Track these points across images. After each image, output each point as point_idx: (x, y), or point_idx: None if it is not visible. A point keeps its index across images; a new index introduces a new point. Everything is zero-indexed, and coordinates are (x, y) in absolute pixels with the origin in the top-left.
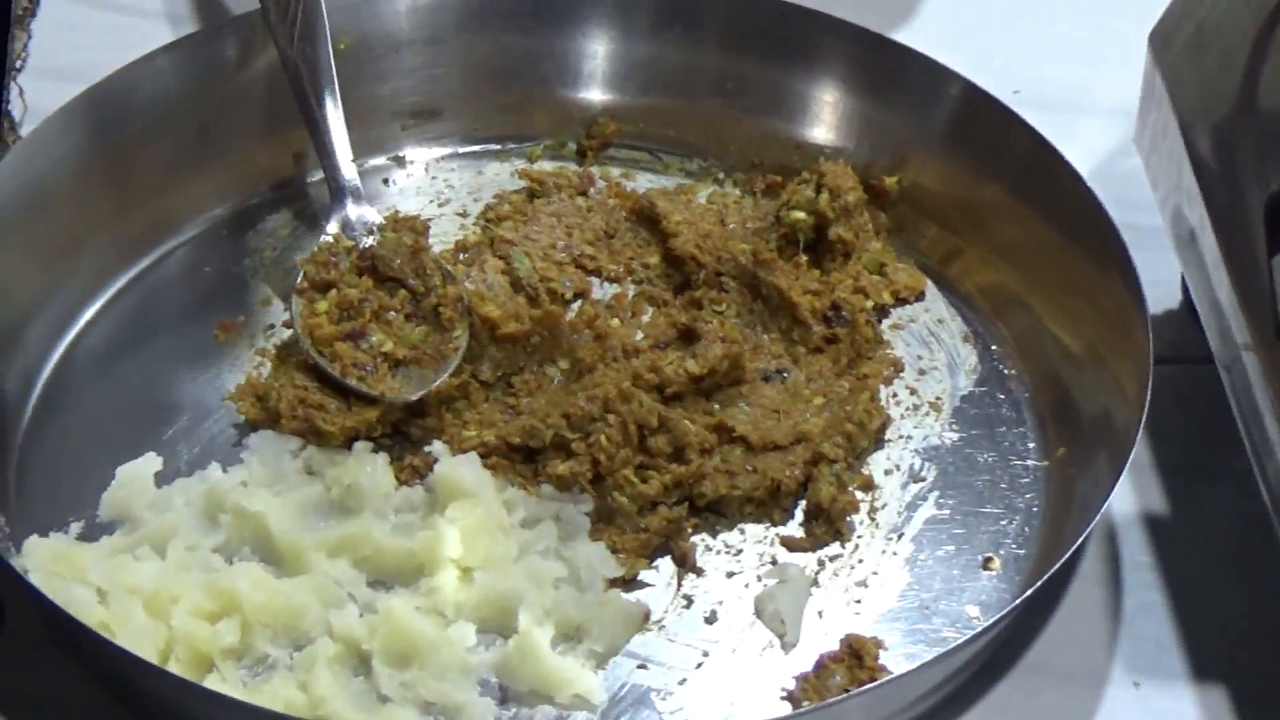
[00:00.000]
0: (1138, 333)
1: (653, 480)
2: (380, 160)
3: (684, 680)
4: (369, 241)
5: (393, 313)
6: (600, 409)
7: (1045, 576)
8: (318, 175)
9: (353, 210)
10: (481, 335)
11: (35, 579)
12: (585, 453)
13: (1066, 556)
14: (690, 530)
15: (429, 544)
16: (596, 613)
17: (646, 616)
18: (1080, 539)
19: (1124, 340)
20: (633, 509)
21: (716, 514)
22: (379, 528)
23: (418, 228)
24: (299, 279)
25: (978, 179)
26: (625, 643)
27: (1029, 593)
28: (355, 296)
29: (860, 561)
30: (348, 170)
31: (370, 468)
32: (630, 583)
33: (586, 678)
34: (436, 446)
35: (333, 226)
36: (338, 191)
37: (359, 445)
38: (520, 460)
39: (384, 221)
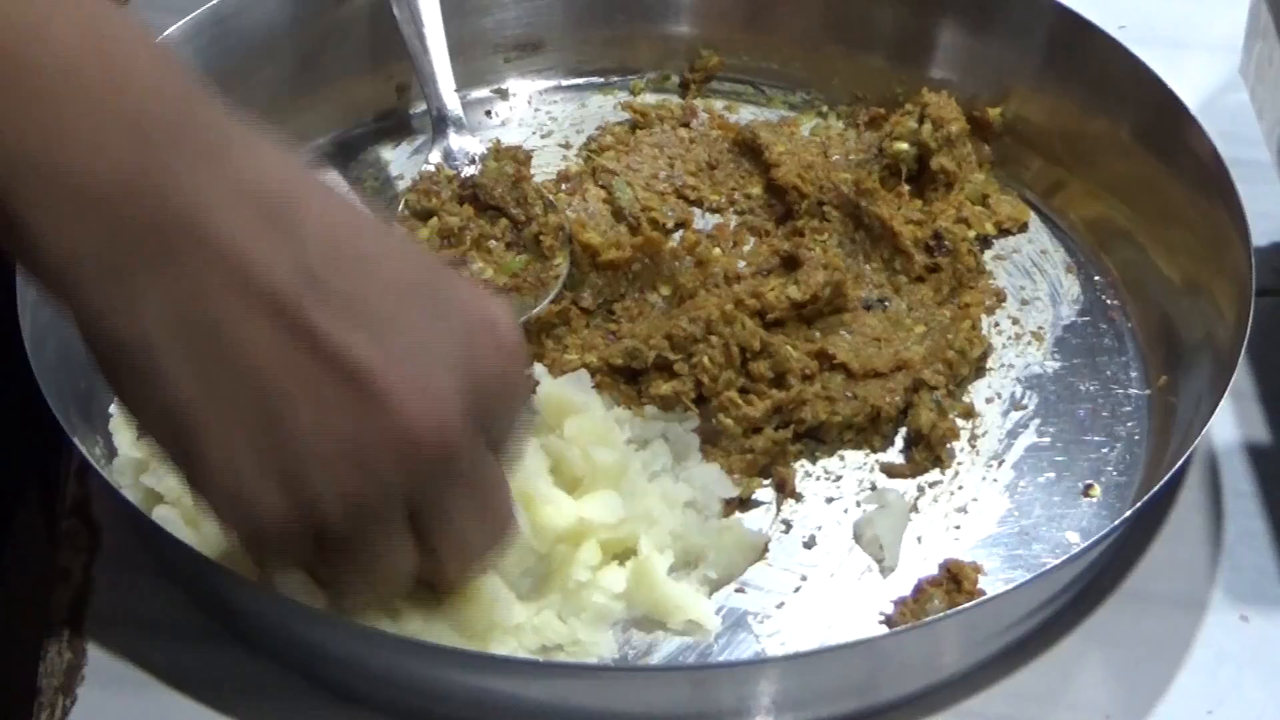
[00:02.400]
0: (1240, 261)
1: (757, 402)
2: (483, 93)
3: (781, 604)
4: (471, 171)
5: (494, 241)
6: (703, 330)
7: (1147, 497)
8: (420, 107)
9: (455, 140)
10: (582, 262)
11: (130, 496)
12: (688, 374)
13: (1169, 477)
14: (791, 456)
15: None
16: (716, 539)
17: (766, 547)
18: (1182, 460)
19: (1227, 269)
20: (738, 431)
21: (816, 440)
22: None
23: (520, 157)
24: (400, 207)
25: (1082, 111)
26: (741, 572)
27: (1129, 514)
28: (456, 225)
29: (960, 488)
30: (450, 100)
31: None
32: (730, 506)
33: (702, 604)
34: (538, 369)
35: (435, 156)
36: (440, 121)
37: None
38: (623, 382)
39: (486, 151)
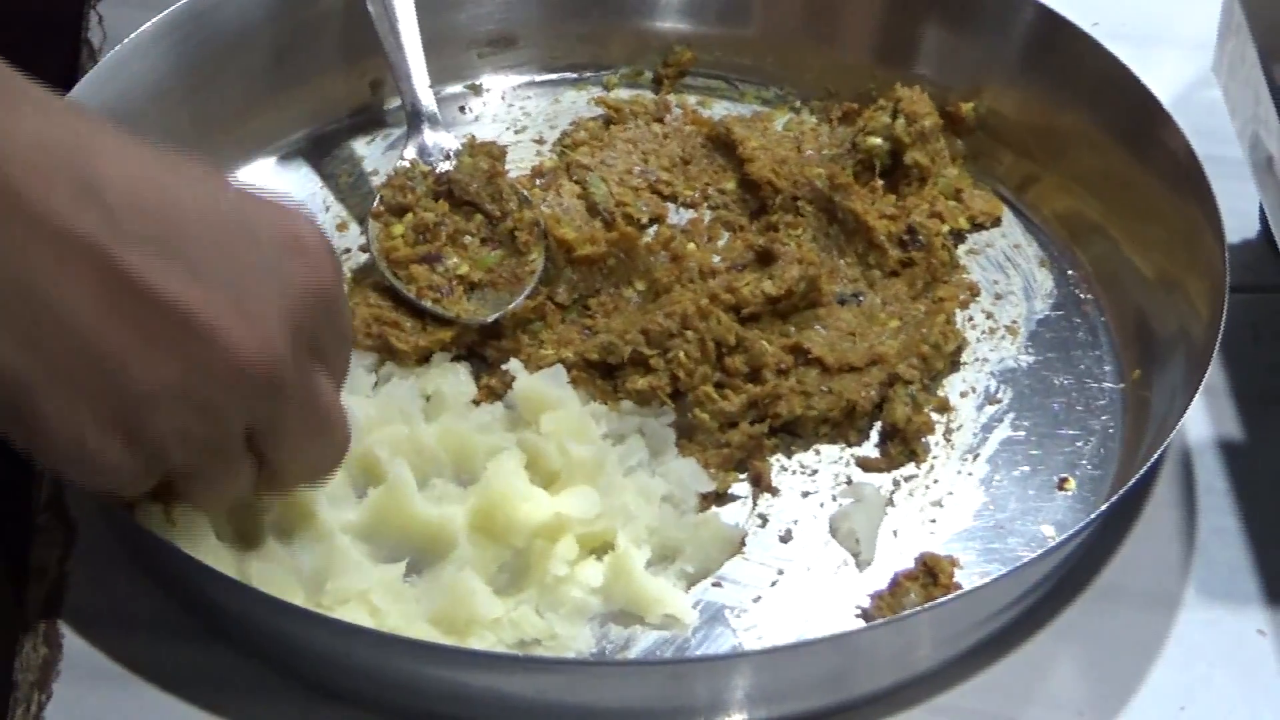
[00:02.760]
0: (1214, 257)
1: (732, 397)
2: (457, 88)
3: (758, 598)
4: (446, 166)
5: (469, 236)
6: (678, 325)
7: (1122, 491)
8: (395, 103)
9: (429, 136)
10: (557, 257)
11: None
12: (664, 369)
13: (1143, 471)
14: (767, 450)
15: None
16: (693, 533)
17: (743, 541)
18: (1157, 454)
19: (1200, 265)
20: (714, 425)
21: (792, 435)
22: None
23: (494, 153)
24: (375, 203)
25: (1055, 106)
26: (718, 566)
27: (1105, 507)
28: (431, 220)
29: (935, 482)
30: (425, 96)
31: (452, 375)
32: (707, 501)
33: (679, 598)
34: (514, 364)
35: (409, 151)
36: (414, 117)
37: (438, 356)
38: (599, 377)
39: (461, 147)
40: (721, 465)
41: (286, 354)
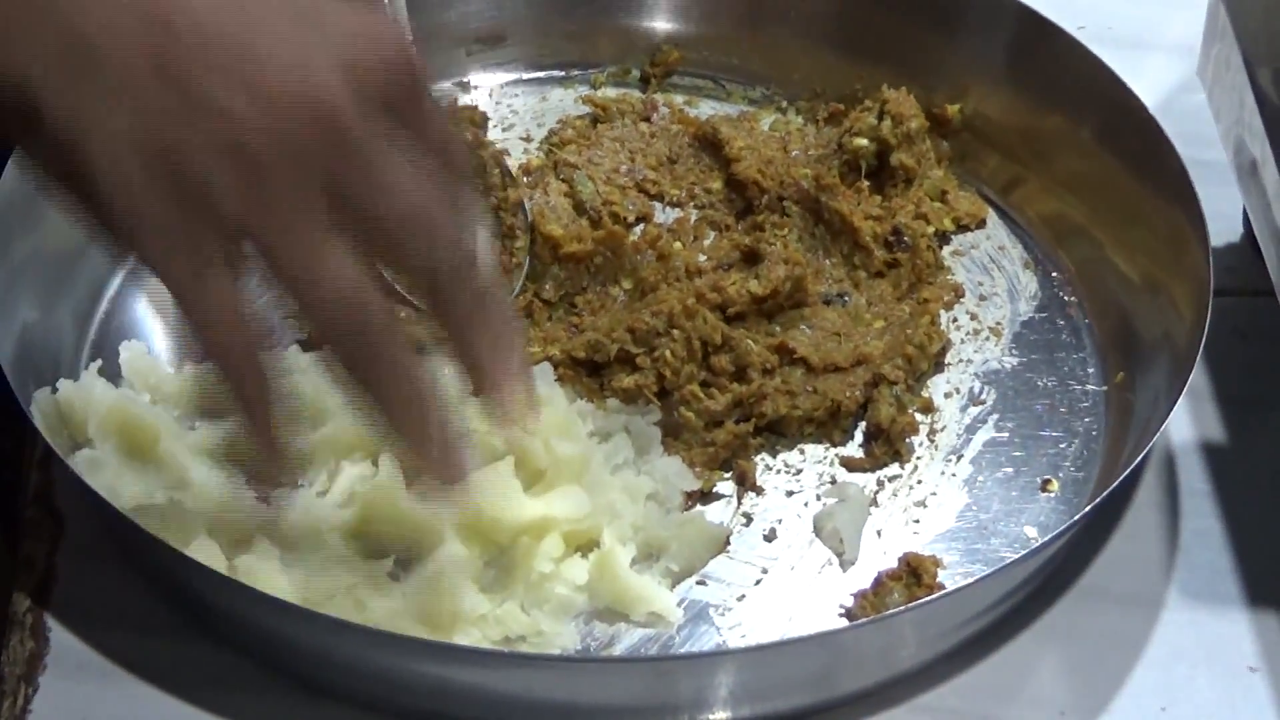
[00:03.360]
0: (1198, 260)
1: (718, 396)
2: (444, 85)
3: (742, 597)
4: None
5: None
6: (665, 324)
7: (1105, 493)
8: None
9: None
10: (544, 255)
11: (95, 486)
12: (650, 367)
13: (1126, 474)
14: (752, 449)
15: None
16: (678, 531)
17: (728, 539)
18: (1140, 457)
19: (1184, 268)
20: (699, 424)
21: (776, 434)
22: None
23: (476, 119)
24: None
25: (1040, 108)
26: (703, 565)
27: (1087, 509)
28: None
29: (919, 482)
30: None
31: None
32: (691, 499)
33: (663, 596)
34: None
35: None
36: None
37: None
38: (585, 375)
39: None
40: (707, 464)
41: (343, 100)
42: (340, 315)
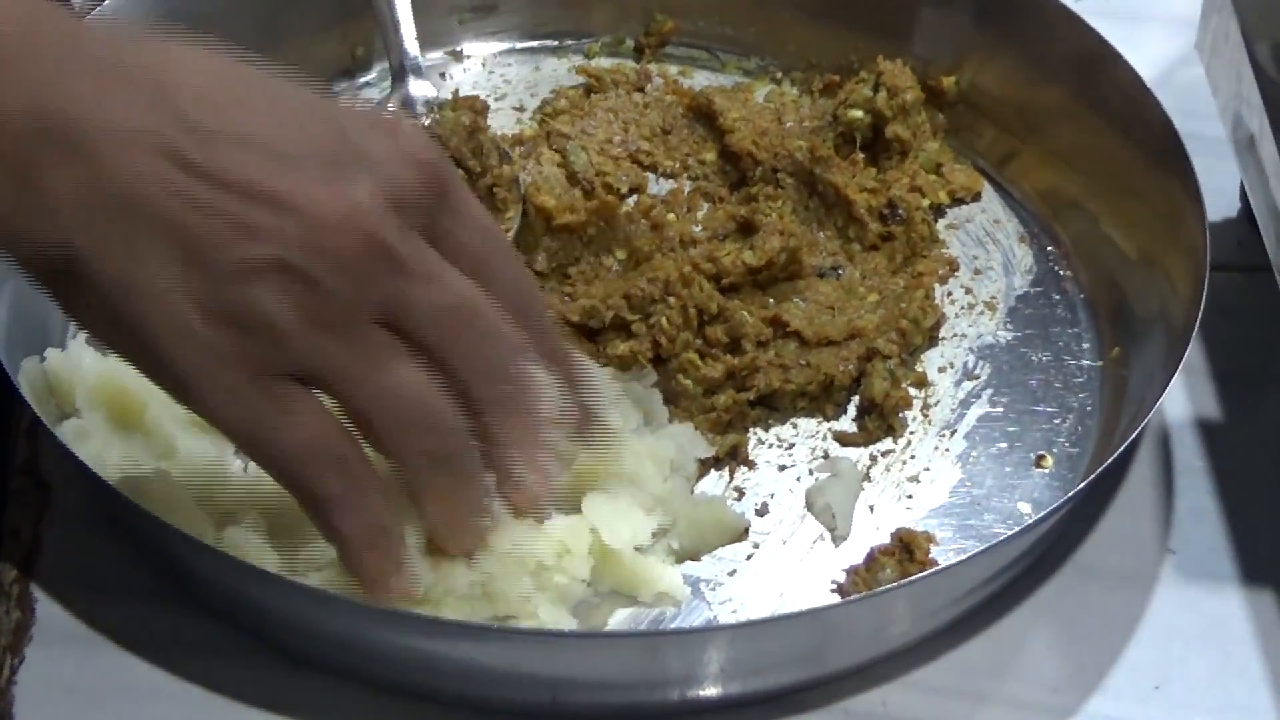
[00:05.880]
0: (1195, 234)
1: (713, 365)
2: (437, 55)
3: (734, 571)
4: (427, 121)
5: None
6: (661, 291)
7: (1100, 469)
8: (377, 69)
9: (414, 87)
10: (537, 226)
11: (82, 455)
12: (645, 334)
13: (1121, 450)
14: (750, 419)
15: None
16: (692, 511)
17: (746, 531)
18: (1135, 433)
19: (1181, 242)
20: (698, 391)
21: (769, 408)
22: None
23: (477, 107)
24: None
25: (1037, 81)
26: (709, 551)
27: (1082, 485)
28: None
29: (912, 457)
30: (410, 46)
31: None
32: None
33: (670, 575)
34: None
35: (392, 105)
36: (399, 70)
37: None
38: (582, 340)
39: (443, 100)
40: (712, 430)
41: (381, 218)
42: (413, 424)
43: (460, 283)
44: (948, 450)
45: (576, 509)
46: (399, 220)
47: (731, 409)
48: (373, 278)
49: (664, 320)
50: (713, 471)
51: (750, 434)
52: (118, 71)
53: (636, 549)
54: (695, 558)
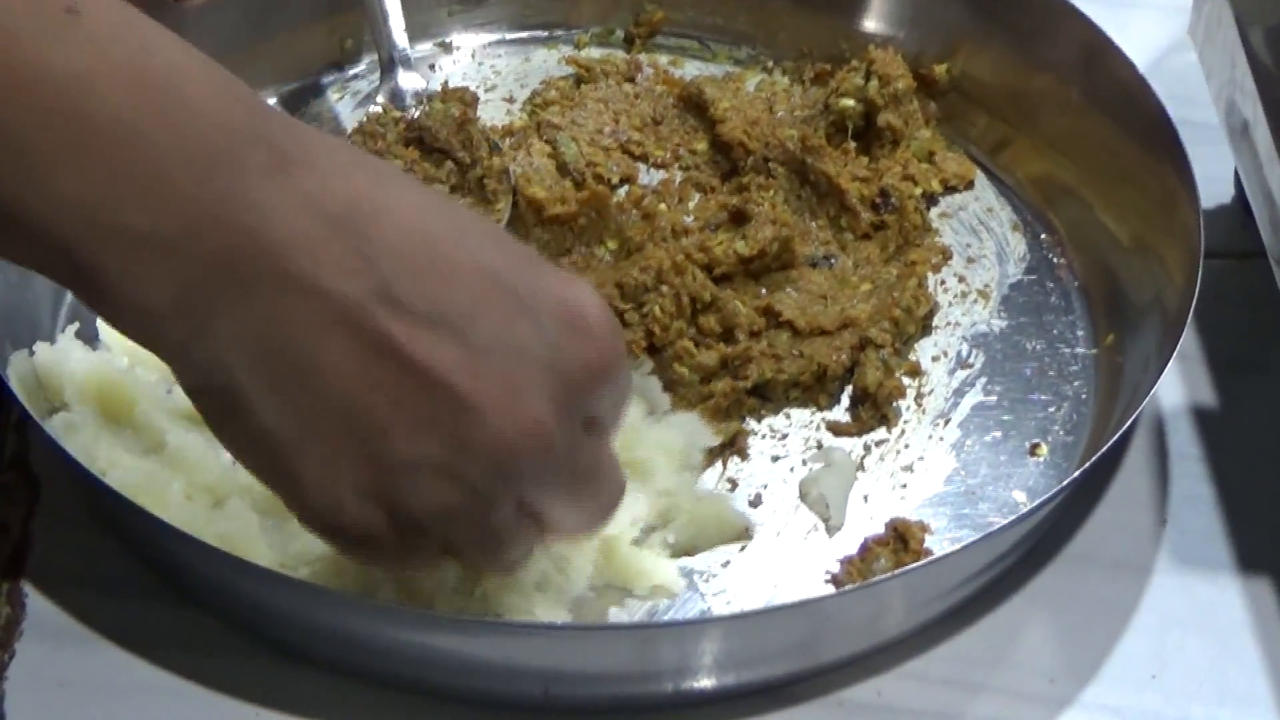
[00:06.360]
0: (1189, 221)
1: (710, 351)
2: (427, 46)
3: (727, 563)
4: (416, 113)
5: (438, 184)
6: (654, 279)
7: (1095, 458)
8: (366, 61)
9: (403, 79)
10: (527, 217)
11: (72, 450)
12: (639, 323)
13: (1116, 438)
14: (747, 408)
15: None
16: (694, 508)
17: (747, 532)
18: (1130, 421)
19: (1175, 229)
20: (694, 379)
21: (762, 398)
22: None
23: (466, 99)
24: None
25: (1029, 69)
26: (707, 549)
27: (1077, 474)
28: (400, 168)
29: (906, 447)
30: (399, 38)
31: None
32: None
33: (666, 568)
34: None
35: (382, 97)
36: (388, 61)
37: None
38: None
39: (432, 91)
40: (712, 417)
41: (554, 436)
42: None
43: (595, 475)
44: (942, 439)
45: None
46: (571, 431)
47: (730, 394)
48: (529, 483)
49: (657, 309)
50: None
51: (743, 425)
52: (323, 211)
53: (634, 543)
54: (691, 553)
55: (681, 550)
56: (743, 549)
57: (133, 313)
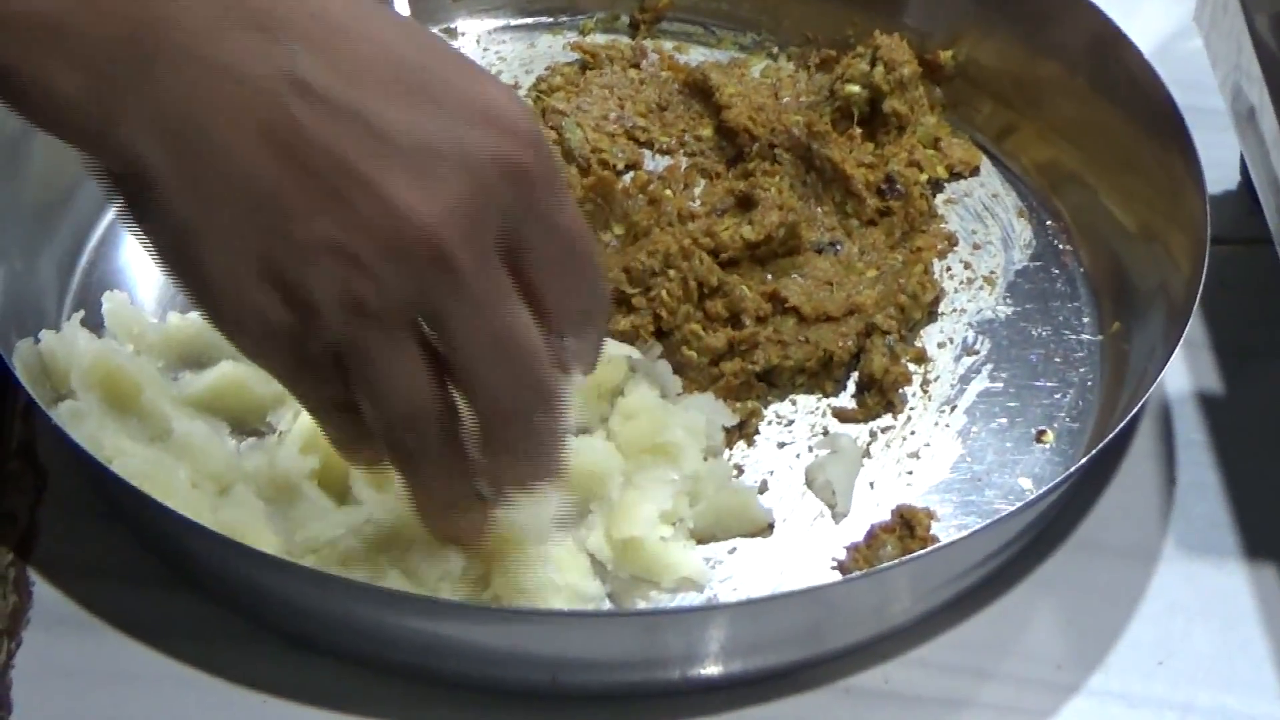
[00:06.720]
0: (1194, 207)
1: (718, 334)
2: (432, 31)
3: (734, 549)
4: None
5: None
6: (661, 264)
7: (1101, 445)
8: None
9: None
10: None
11: (78, 439)
12: (646, 308)
13: (1122, 425)
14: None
15: None
16: (717, 497)
17: (770, 527)
18: (1136, 408)
19: (1181, 216)
20: (703, 361)
21: (768, 384)
22: None
23: None
24: None
25: (1035, 54)
26: (725, 538)
27: (1083, 461)
28: None
29: (912, 433)
30: None
31: None
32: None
33: (692, 560)
34: None
35: None
36: None
37: None
38: None
39: None
40: (727, 396)
41: (456, 231)
42: (401, 430)
43: (510, 316)
44: (948, 426)
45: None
46: (475, 235)
47: (739, 374)
48: (425, 286)
49: (664, 293)
50: None
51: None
52: None
53: (662, 539)
54: (707, 541)
55: (698, 537)
56: (749, 535)
57: (49, 105)
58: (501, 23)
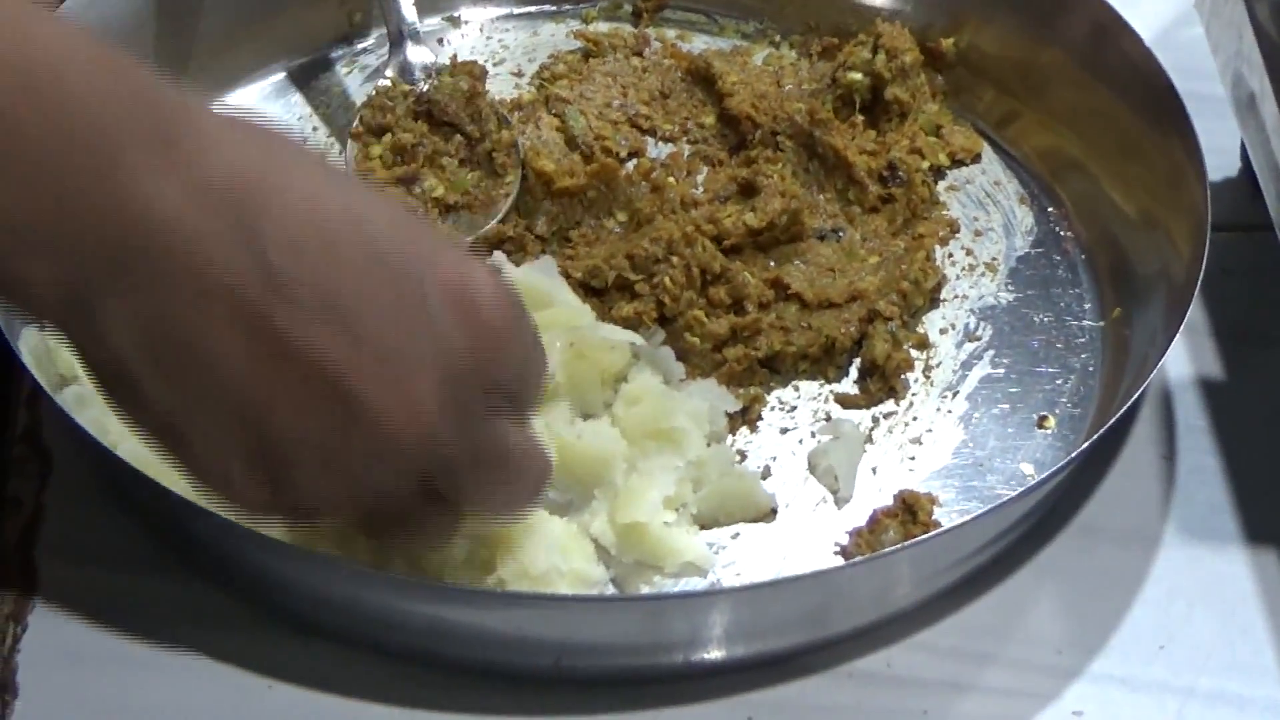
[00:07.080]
0: (1195, 194)
1: (721, 319)
2: (435, 21)
3: (737, 535)
4: (425, 87)
5: (447, 158)
6: (664, 250)
7: (1102, 430)
8: (374, 35)
9: (412, 53)
10: (536, 190)
11: (83, 423)
12: (649, 294)
13: (1123, 410)
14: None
15: None
16: (720, 483)
17: (773, 512)
18: (1137, 394)
19: (1181, 202)
20: (706, 347)
21: (771, 370)
22: None
23: (475, 72)
24: (355, 123)
25: (1036, 42)
26: (728, 524)
27: (1084, 446)
28: (410, 141)
29: (915, 419)
30: (408, 12)
31: None
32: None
33: (697, 545)
34: (498, 257)
35: (391, 71)
36: (397, 35)
37: None
38: (586, 298)
39: (442, 65)
40: (730, 382)
41: (436, 423)
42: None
43: (503, 458)
44: (950, 412)
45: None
46: (462, 416)
47: (743, 360)
48: (426, 469)
49: (667, 280)
50: None
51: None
52: (211, 190)
53: (666, 524)
54: (710, 526)
55: (701, 522)
56: (752, 520)
57: (20, 299)
58: (505, 11)
